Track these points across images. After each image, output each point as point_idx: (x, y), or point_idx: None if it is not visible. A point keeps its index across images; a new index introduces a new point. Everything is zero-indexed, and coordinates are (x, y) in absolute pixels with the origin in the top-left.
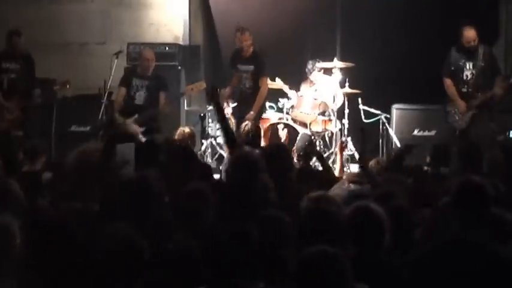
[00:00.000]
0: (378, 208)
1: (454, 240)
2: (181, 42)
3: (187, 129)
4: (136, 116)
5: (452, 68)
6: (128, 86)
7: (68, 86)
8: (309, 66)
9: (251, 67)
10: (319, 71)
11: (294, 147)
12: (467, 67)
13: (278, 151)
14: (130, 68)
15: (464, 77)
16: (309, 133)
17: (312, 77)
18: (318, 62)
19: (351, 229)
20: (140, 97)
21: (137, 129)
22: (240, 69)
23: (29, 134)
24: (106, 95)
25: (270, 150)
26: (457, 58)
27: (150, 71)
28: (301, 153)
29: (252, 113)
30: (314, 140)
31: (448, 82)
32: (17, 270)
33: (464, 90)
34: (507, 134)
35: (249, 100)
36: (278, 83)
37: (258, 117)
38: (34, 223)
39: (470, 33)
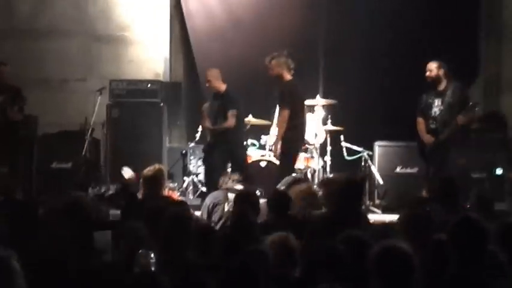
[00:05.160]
0: (406, 247)
1: (455, 277)
2: (161, 79)
3: (157, 166)
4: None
5: (422, 106)
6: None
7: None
8: None
9: None
10: None
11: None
12: (436, 104)
13: None
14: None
15: (433, 113)
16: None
17: None
18: None
19: (379, 268)
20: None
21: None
22: None
23: (13, 170)
24: (90, 131)
25: None
26: (428, 96)
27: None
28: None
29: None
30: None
31: (419, 120)
32: None
33: (433, 126)
34: (492, 171)
35: None
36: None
37: None
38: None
39: (428, 65)
